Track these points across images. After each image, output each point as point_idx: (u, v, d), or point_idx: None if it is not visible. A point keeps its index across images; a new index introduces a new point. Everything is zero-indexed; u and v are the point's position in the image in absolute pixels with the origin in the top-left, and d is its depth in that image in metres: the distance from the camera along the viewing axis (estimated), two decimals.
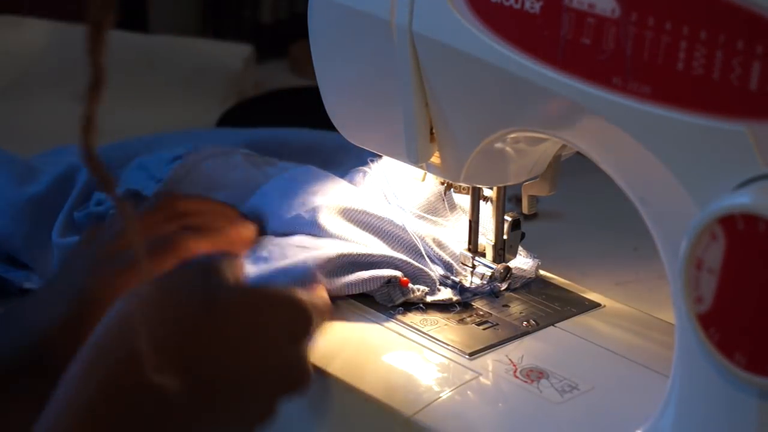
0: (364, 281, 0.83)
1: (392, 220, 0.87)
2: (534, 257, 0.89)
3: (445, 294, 0.85)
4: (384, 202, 0.89)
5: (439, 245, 0.87)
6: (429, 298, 0.84)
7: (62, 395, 0.67)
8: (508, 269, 0.86)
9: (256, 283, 0.74)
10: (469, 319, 0.83)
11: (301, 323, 0.73)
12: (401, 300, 0.83)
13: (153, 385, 0.66)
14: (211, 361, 0.69)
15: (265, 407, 0.72)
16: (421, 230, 0.87)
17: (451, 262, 0.87)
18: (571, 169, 0.94)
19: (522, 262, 0.88)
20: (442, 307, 0.84)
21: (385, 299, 0.84)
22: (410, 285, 0.84)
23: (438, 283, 0.85)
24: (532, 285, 0.88)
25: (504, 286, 0.86)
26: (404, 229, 0.86)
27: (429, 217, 0.89)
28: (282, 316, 0.72)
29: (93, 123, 0.58)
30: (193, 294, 0.71)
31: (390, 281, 0.83)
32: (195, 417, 0.68)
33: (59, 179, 1.03)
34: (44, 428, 0.66)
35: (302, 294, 0.74)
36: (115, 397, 0.66)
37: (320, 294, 0.80)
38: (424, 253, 0.86)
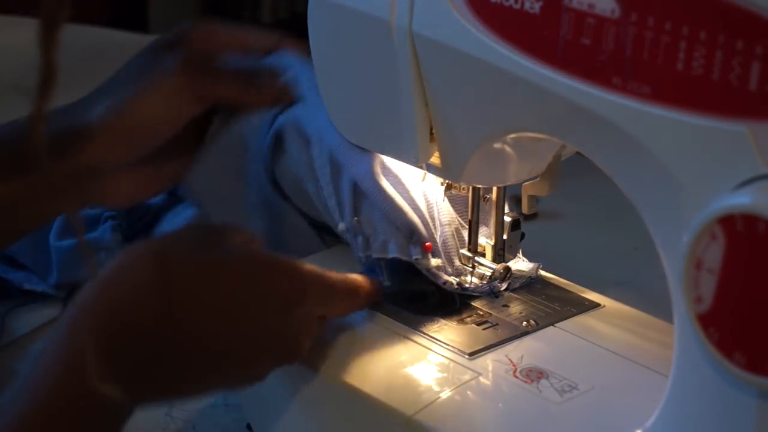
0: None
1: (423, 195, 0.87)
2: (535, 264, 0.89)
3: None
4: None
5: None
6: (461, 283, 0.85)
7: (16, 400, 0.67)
8: (508, 269, 0.86)
9: (260, 252, 0.75)
10: (469, 319, 0.83)
11: (298, 295, 0.74)
12: (416, 257, 0.83)
13: (99, 395, 0.67)
14: (198, 321, 0.70)
15: (249, 373, 0.73)
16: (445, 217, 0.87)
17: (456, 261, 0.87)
18: (571, 169, 0.94)
19: (522, 264, 0.88)
20: (442, 306, 0.84)
21: (403, 251, 0.83)
22: (429, 255, 0.83)
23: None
24: (532, 285, 0.88)
25: (504, 286, 0.86)
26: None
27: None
28: (280, 286, 0.73)
29: (42, 118, 0.58)
30: (190, 253, 0.71)
31: (413, 237, 0.83)
32: (177, 373, 0.69)
33: None
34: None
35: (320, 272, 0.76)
36: (65, 407, 0.66)
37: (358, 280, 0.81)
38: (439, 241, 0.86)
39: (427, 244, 0.83)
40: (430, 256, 0.83)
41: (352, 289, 0.79)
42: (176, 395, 0.74)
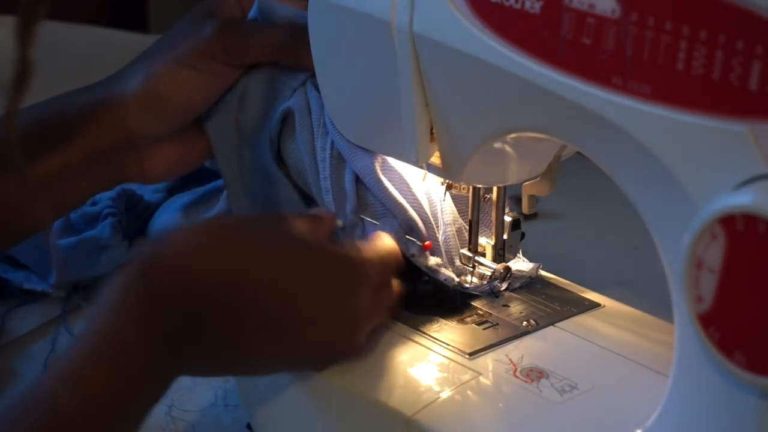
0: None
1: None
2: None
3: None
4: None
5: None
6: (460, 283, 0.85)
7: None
8: (508, 269, 0.86)
9: (332, 245, 0.77)
10: (469, 319, 0.83)
11: (360, 279, 0.75)
12: (413, 253, 0.83)
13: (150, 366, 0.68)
14: (259, 298, 0.71)
15: (305, 358, 0.75)
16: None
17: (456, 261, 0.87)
18: (571, 169, 0.94)
19: (522, 264, 0.88)
20: (442, 306, 0.84)
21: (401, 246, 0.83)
22: (428, 253, 0.84)
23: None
24: (532, 285, 0.88)
25: (504, 286, 0.86)
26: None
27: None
28: (341, 271, 0.74)
29: (15, 114, 0.58)
30: (255, 232, 0.73)
31: (412, 234, 0.83)
32: (231, 350, 0.71)
33: None
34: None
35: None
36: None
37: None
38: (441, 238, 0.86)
39: (426, 243, 0.83)
40: (428, 254, 0.83)
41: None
42: (225, 372, 0.75)
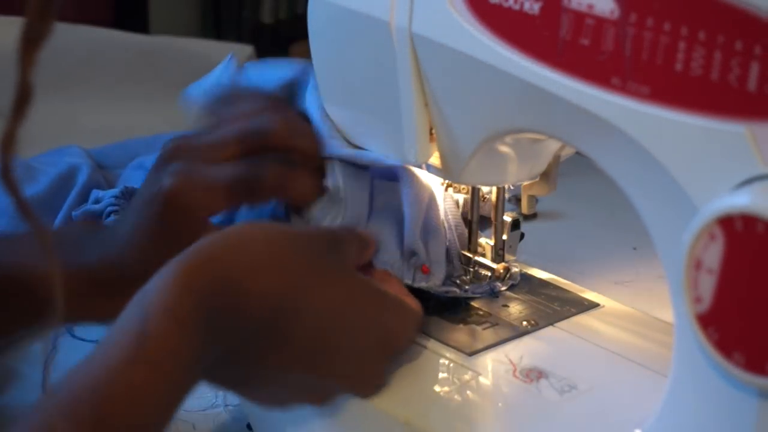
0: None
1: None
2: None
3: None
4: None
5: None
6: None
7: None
8: (507, 269, 0.86)
9: (372, 281, 0.75)
10: (469, 319, 0.83)
11: (398, 339, 0.75)
12: (407, 281, 0.83)
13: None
14: (308, 327, 0.70)
15: (315, 390, 0.73)
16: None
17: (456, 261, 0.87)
18: (571, 169, 0.94)
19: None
20: (442, 306, 0.84)
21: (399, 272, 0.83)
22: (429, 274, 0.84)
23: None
24: (532, 285, 0.88)
25: (504, 287, 0.86)
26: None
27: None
28: (382, 319, 0.73)
29: (13, 139, 0.57)
30: (319, 256, 0.72)
31: (412, 257, 0.83)
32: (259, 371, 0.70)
33: (58, 179, 1.03)
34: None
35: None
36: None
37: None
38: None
39: (424, 266, 0.83)
40: (427, 277, 0.83)
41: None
42: (241, 387, 0.73)
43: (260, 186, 0.81)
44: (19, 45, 0.55)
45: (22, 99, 0.56)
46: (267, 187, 0.82)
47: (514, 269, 0.87)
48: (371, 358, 0.74)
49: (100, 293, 0.81)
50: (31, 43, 0.55)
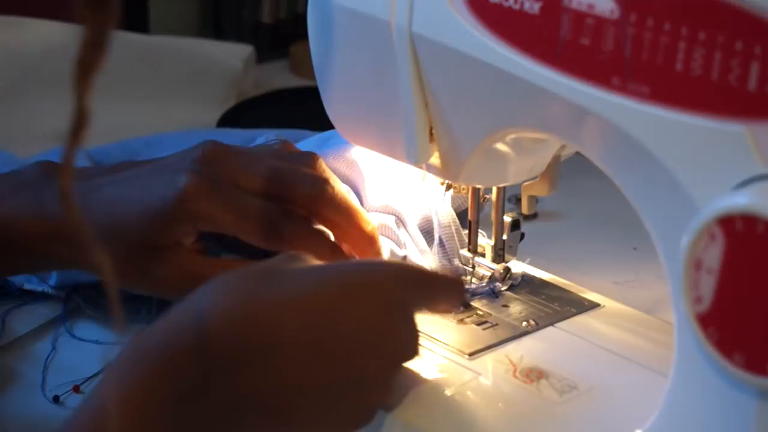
0: None
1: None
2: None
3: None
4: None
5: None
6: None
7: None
8: (507, 269, 0.86)
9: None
10: (468, 319, 0.83)
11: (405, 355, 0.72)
12: None
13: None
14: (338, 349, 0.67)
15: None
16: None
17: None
18: (571, 169, 0.94)
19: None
20: None
21: None
22: None
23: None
24: (532, 285, 0.88)
25: (504, 287, 0.86)
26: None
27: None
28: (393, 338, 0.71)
29: (71, 163, 0.57)
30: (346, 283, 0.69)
31: None
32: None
33: None
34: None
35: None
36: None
37: None
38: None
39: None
40: None
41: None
42: None
43: (281, 237, 0.82)
44: (74, 71, 0.55)
45: (79, 124, 0.56)
46: (285, 241, 0.81)
47: (516, 271, 0.87)
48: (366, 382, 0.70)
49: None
50: (86, 69, 0.55)
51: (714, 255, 0.60)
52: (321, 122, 0.91)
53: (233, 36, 1.67)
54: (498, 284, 0.86)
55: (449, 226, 0.86)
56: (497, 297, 0.86)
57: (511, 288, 0.87)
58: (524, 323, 0.82)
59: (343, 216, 0.84)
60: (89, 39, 0.54)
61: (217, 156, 0.84)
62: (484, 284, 0.86)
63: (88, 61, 0.55)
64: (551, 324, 0.83)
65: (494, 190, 0.85)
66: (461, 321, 0.83)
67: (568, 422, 0.73)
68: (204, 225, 0.82)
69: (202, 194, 0.81)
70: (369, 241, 0.84)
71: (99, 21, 0.53)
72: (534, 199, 0.85)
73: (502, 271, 0.85)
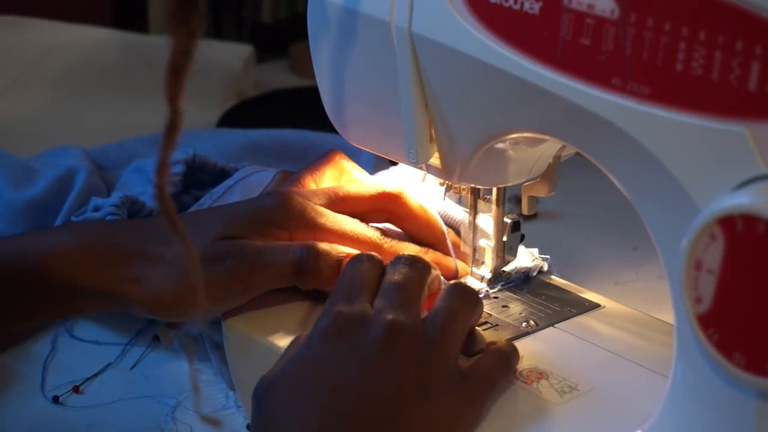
0: None
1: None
2: (544, 258, 0.89)
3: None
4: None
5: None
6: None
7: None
8: (517, 223, 0.86)
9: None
10: None
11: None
12: None
13: None
14: None
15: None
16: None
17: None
18: (571, 169, 0.94)
19: (526, 260, 0.88)
20: None
21: None
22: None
23: None
24: (532, 285, 0.88)
25: (534, 272, 0.87)
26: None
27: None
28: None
29: (167, 165, 0.59)
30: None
31: None
32: None
33: (57, 182, 1.03)
34: None
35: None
36: None
37: None
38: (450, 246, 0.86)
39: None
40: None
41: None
42: None
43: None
44: (166, 77, 0.58)
45: (173, 125, 0.59)
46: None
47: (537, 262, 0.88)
48: None
49: None
50: (177, 74, 0.58)
51: (714, 255, 0.60)
52: (321, 122, 0.91)
53: (233, 36, 1.67)
54: (529, 267, 0.86)
55: (462, 220, 0.87)
56: (497, 297, 0.86)
57: (511, 288, 0.87)
58: (524, 324, 0.82)
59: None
60: (178, 47, 0.58)
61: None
62: (514, 273, 0.86)
63: (179, 67, 0.58)
64: (551, 324, 0.83)
65: (494, 190, 0.85)
66: None
67: (568, 422, 0.73)
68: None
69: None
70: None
71: (187, 31, 0.57)
72: (534, 200, 0.85)
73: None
